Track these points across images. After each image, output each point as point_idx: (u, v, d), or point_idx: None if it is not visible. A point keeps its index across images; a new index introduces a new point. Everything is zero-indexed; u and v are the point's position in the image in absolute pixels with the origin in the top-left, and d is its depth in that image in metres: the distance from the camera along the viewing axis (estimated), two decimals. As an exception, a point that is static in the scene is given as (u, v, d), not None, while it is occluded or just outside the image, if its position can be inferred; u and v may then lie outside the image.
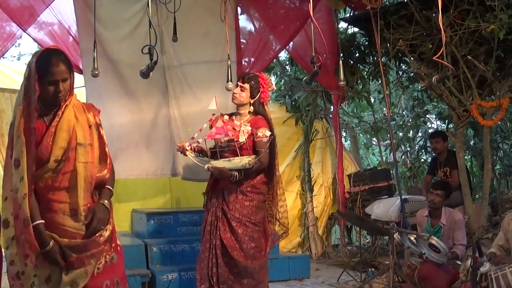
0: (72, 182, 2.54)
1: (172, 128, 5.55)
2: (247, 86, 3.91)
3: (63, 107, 2.61)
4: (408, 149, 9.31)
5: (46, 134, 2.57)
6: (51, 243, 2.48)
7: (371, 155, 12.01)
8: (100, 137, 2.72)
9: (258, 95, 3.94)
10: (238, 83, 3.96)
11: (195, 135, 3.98)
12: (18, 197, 2.44)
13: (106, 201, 2.67)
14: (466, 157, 7.73)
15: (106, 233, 2.62)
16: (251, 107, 3.95)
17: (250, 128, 3.79)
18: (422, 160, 9.03)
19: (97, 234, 2.57)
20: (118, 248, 2.73)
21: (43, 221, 2.50)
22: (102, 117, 2.82)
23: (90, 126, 2.68)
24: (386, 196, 6.36)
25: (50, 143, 2.55)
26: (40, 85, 2.53)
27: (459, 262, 4.52)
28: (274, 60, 7.33)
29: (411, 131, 8.98)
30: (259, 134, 3.78)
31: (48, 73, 2.53)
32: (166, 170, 5.54)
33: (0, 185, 2.68)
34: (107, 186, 2.72)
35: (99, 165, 2.68)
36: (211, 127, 3.99)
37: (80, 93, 4.73)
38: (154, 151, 5.47)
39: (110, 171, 2.74)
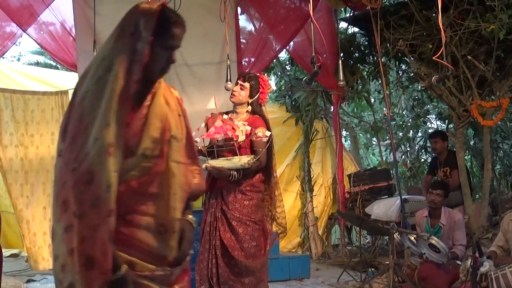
0: (164, 188, 1.82)
1: None
2: (247, 85, 3.88)
3: (157, 86, 1.92)
4: (408, 149, 9.32)
5: (135, 118, 1.82)
6: (123, 267, 1.70)
7: (371, 155, 12.02)
8: (188, 131, 2.09)
9: (257, 96, 3.92)
10: (239, 81, 3.91)
11: (193, 134, 3.96)
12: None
13: (191, 217, 1.98)
14: (466, 157, 7.73)
15: (188, 259, 1.96)
16: (249, 107, 3.92)
17: (250, 128, 3.78)
18: (422, 160, 9.04)
19: (186, 260, 1.93)
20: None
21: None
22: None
23: (179, 116, 2.02)
24: (386, 196, 6.36)
25: (140, 130, 1.82)
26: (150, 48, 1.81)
27: (459, 262, 4.51)
28: (274, 60, 7.33)
29: (411, 131, 9.00)
30: (259, 134, 3.75)
31: (169, 35, 1.85)
32: None
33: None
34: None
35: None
36: (206, 125, 3.97)
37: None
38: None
39: (202, 178, 2.09)
